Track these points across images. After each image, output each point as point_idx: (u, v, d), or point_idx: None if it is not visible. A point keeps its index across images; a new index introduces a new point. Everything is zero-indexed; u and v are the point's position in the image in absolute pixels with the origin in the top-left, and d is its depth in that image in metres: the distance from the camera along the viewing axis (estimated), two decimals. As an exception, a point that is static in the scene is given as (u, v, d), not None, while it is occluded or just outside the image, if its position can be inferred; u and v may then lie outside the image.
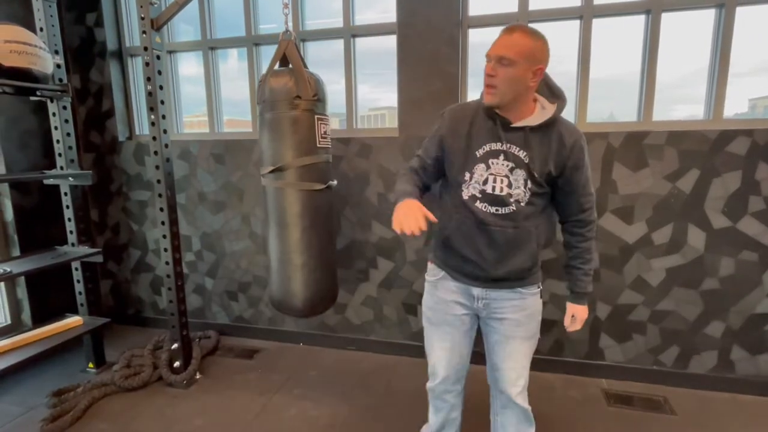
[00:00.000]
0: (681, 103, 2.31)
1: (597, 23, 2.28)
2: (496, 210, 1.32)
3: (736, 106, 2.23)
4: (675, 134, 2.18)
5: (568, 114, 2.39)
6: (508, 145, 1.29)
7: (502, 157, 1.30)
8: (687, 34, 2.23)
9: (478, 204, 1.34)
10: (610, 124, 2.35)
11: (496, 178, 1.31)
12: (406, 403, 2.23)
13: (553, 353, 2.51)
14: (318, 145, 2.03)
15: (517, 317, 1.42)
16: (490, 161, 1.31)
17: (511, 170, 1.30)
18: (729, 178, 2.15)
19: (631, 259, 2.32)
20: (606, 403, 2.22)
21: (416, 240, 2.58)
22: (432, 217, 1.26)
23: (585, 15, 2.27)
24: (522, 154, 1.29)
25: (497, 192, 1.31)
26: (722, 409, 2.16)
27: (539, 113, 1.29)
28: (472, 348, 1.57)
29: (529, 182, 1.29)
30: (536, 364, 2.48)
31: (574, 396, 2.29)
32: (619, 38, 2.31)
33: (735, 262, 2.20)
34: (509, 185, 1.30)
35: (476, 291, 1.45)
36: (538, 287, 1.45)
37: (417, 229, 1.18)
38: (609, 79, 2.35)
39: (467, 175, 1.34)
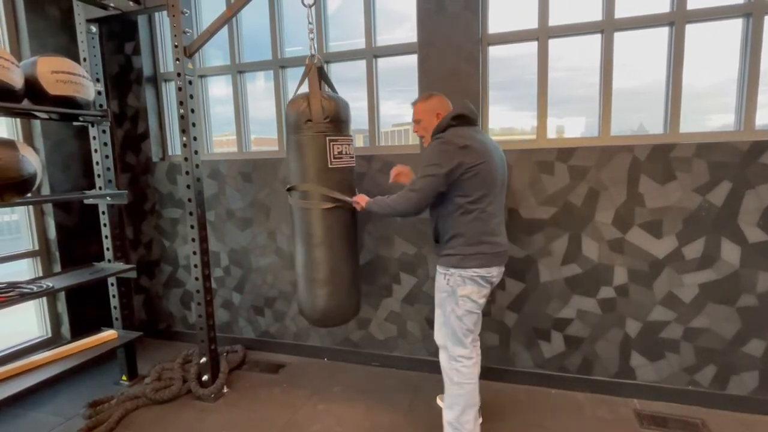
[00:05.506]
0: (715, 112, 2.26)
1: (622, 35, 2.27)
2: None
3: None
4: (704, 146, 2.13)
5: (592, 127, 2.39)
6: None
7: None
8: (719, 42, 2.19)
9: None
10: (634, 137, 2.32)
11: None
12: (429, 420, 2.21)
13: (581, 371, 2.44)
14: (329, 166, 2.09)
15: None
16: None
17: None
18: (763, 190, 2.08)
19: (661, 275, 2.25)
20: (639, 425, 2.13)
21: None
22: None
23: (606, 29, 2.27)
24: None
25: None
26: (765, 433, 2.05)
27: None
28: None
29: None
30: (564, 383, 2.46)
31: (605, 416, 2.22)
32: (649, 48, 2.28)
33: (774, 277, 2.11)
34: None
35: None
36: (446, 270, 1.85)
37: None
38: (641, 90, 2.32)
39: None
